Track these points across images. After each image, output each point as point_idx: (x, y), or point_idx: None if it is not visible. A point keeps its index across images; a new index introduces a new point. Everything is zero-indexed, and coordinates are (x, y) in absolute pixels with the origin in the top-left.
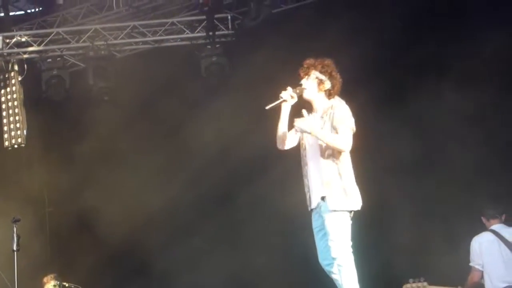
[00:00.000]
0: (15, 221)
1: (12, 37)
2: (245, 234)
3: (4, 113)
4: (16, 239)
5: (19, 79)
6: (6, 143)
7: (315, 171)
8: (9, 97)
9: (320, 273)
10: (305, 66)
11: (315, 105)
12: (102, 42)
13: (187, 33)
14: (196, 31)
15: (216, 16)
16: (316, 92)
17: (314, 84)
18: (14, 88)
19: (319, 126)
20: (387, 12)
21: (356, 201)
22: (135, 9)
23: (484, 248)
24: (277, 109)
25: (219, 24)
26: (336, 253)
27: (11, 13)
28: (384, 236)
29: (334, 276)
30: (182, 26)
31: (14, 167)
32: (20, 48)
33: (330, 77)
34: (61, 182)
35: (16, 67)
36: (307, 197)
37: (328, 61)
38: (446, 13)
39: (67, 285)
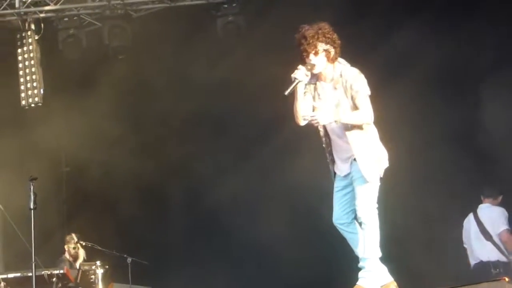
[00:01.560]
0: (32, 179)
1: None
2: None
3: (21, 72)
4: (33, 197)
5: (36, 38)
6: (23, 102)
7: (341, 142)
8: (25, 56)
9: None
10: (309, 39)
11: (322, 73)
12: (119, 1)
13: None
14: None
15: None
16: (325, 64)
17: (323, 57)
18: (30, 47)
19: (335, 101)
20: None
21: (385, 162)
22: None
23: (464, 228)
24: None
25: None
26: (363, 213)
27: None
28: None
29: (348, 234)
30: None
31: (31, 126)
32: (36, 7)
33: (332, 43)
34: (78, 141)
35: (32, 26)
36: (332, 168)
37: (326, 26)
38: None
39: (83, 243)
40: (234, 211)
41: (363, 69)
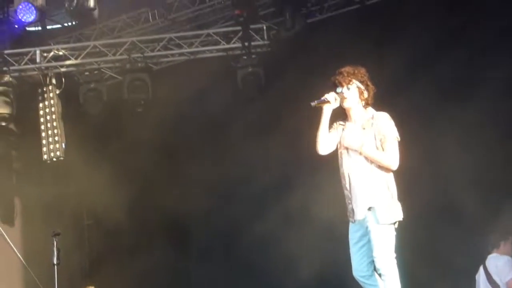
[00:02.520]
0: (55, 234)
1: (49, 51)
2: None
3: (42, 127)
4: (56, 253)
5: (57, 92)
6: (45, 157)
7: (359, 181)
8: (47, 110)
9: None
10: (345, 74)
11: (352, 114)
12: (139, 55)
13: (223, 44)
14: (232, 42)
15: (251, 26)
16: (356, 101)
17: (355, 93)
18: (52, 102)
19: (362, 139)
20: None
21: (400, 211)
22: (171, 21)
23: (476, 281)
24: (314, 116)
25: (254, 34)
26: (382, 264)
27: (48, 27)
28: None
29: (370, 287)
30: (218, 37)
31: (53, 181)
32: (57, 61)
33: (367, 87)
34: (100, 195)
35: (53, 81)
36: (349, 208)
37: (363, 70)
38: None
39: None
40: (268, 256)
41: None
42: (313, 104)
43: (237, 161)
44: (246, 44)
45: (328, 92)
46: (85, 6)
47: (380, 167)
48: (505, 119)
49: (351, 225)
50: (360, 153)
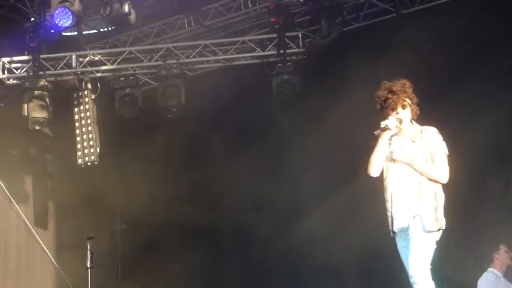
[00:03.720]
0: (89, 238)
1: (85, 56)
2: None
3: (77, 131)
4: (90, 256)
5: (92, 97)
6: (80, 161)
7: (406, 192)
8: (82, 115)
9: None
10: (399, 93)
11: (401, 131)
12: (174, 61)
13: (258, 52)
14: (267, 49)
15: (287, 34)
16: (409, 119)
17: (409, 112)
18: (87, 106)
19: (413, 152)
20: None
21: (444, 222)
22: (207, 28)
23: None
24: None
25: (290, 42)
26: (416, 272)
27: (84, 32)
28: None
29: None
30: (253, 45)
31: (87, 185)
32: (93, 66)
33: (412, 99)
34: (134, 199)
35: (89, 85)
36: (389, 220)
37: (409, 83)
38: None
39: None
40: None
41: None
42: (376, 133)
43: (271, 165)
44: (281, 51)
45: (382, 117)
46: (121, 12)
47: (430, 179)
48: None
49: (396, 238)
50: (411, 166)
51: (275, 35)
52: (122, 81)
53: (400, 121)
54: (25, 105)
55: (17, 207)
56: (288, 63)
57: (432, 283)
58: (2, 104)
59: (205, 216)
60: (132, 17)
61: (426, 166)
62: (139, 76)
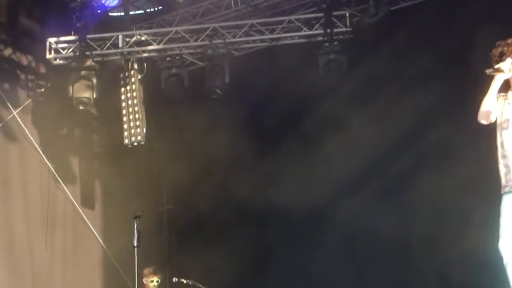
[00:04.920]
0: (136, 217)
1: (132, 36)
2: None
3: (124, 111)
4: (137, 235)
5: (139, 77)
6: (126, 141)
7: None
8: (129, 95)
9: None
10: (510, 42)
11: None
12: (221, 41)
13: (305, 31)
14: (314, 28)
15: (334, 13)
16: None
17: None
18: (134, 87)
19: None
20: None
21: None
22: (253, 7)
23: None
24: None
25: (337, 21)
26: None
27: (130, 12)
28: None
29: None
30: (300, 24)
31: (134, 165)
32: (139, 46)
33: None
34: (180, 180)
35: (135, 66)
36: (508, 178)
37: None
38: None
39: (185, 281)
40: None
41: None
42: (487, 71)
43: (320, 150)
44: (328, 30)
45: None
46: None
47: None
48: None
49: (507, 196)
50: None
51: (322, 14)
52: (168, 61)
53: None
54: (71, 86)
55: (64, 188)
56: (335, 42)
57: None
58: (49, 85)
59: (252, 199)
60: None
61: None
62: (185, 56)
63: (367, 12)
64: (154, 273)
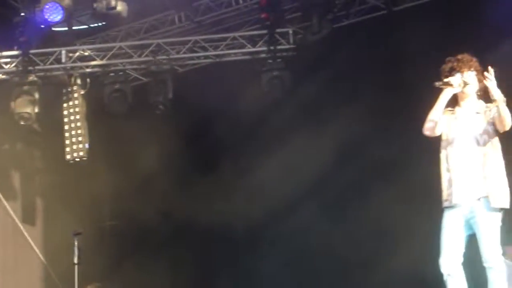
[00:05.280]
0: (76, 234)
1: (75, 51)
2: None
3: (66, 127)
4: (77, 252)
5: (82, 92)
6: (68, 156)
7: (468, 164)
8: (71, 110)
9: None
10: (465, 61)
11: (466, 102)
12: (164, 57)
13: (249, 48)
14: (258, 45)
15: (277, 30)
16: (476, 89)
17: (475, 80)
18: (76, 102)
19: (476, 124)
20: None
21: (509, 199)
22: (197, 24)
23: None
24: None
25: (280, 38)
26: (492, 254)
27: (74, 28)
28: None
29: (454, 280)
30: (244, 41)
31: (76, 181)
32: (83, 62)
33: (481, 77)
34: (123, 196)
35: (78, 81)
36: (449, 192)
37: (474, 58)
38: None
39: None
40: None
41: None
42: (437, 84)
43: (263, 165)
44: (272, 47)
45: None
46: (111, 7)
47: (494, 148)
48: None
49: (448, 211)
50: (498, 100)
51: (265, 31)
52: (112, 76)
53: (465, 84)
54: (13, 101)
55: (5, 203)
56: (279, 60)
57: (505, 267)
58: None
59: (196, 213)
60: (123, 12)
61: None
62: (129, 72)
63: (310, 29)
64: None
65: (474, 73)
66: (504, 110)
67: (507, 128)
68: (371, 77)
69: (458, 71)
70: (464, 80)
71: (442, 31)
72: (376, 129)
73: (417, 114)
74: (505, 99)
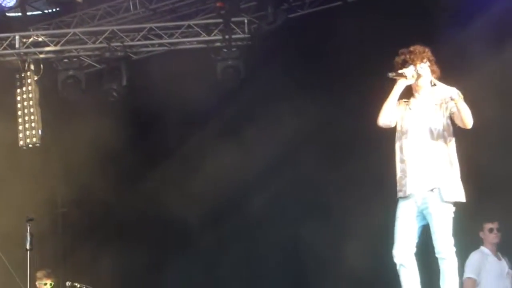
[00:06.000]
0: (29, 220)
1: (29, 37)
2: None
3: (19, 113)
4: (29, 238)
5: (35, 78)
6: (21, 143)
7: (422, 156)
8: (24, 96)
9: None
10: (417, 52)
11: (420, 93)
12: (119, 44)
13: (204, 36)
14: (213, 34)
15: (232, 19)
16: (429, 80)
17: (428, 71)
18: (30, 88)
19: (433, 115)
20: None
21: (463, 191)
22: (152, 11)
23: None
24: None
25: (235, 27)
26: (445, 246)
27: (28, 13)
28: None
29: (409, 273)
30: (199, 29)
31: (29, 167)
32: (36, 47)
33: (434, 66)
34: (75, 182)
35: (32, 67)
36: (402, 182)
37: (427, 48)
38: None
39: (78, 285)
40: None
41: None
42: (390, 75)
43: (214, 156)
44: (227, 36)
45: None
46: None
47: (446, 141)
48: None
49: (402, 202)
50: (456, 100)
51: (220, 20)
52: (66, 63)
53: (418, 75)
54: None
55: None
56: (233, 49)
57: (456, 259)
58: None
59: (146, 203)
60: None
61: (465, 106)
62: (83, 58)
63: (265, 19)
64: (47, 276)
65: (428, 64)
66: (464, 109)
67: (469, 126)
68: (325, 68)
69: (411, 64)
70: (417, 72)
71: (396, 22)
72: (330, 119)
73: (369, 104)
74: (461, 95)
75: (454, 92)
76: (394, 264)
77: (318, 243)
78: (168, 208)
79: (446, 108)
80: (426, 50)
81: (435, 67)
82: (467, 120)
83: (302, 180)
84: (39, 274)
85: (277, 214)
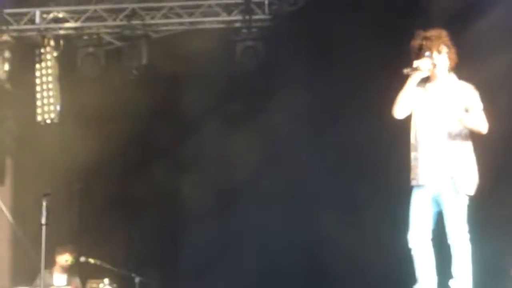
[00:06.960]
0: (45, 195)
1: (49, 12)
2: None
3: (38, 88)
4: (45, 213)
5: (55, 54)
6: (39, 118)
7: (438, 147)
8: (43, 72)
9: None
10: (433, 39)
11: (437, 80)
12: (138, 21)
13: (224, 16)
14: (233, 14)
15: (253, 0)
16: (445, 67)
17: (445, 59)
18: (49, 64)
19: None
20: None
21: (476, 182)
22: None
23: None
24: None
25: (256, 8)
26: (457, 232)
27: None
28: None
29: (425, 257)
30: (219, 9)
31: (46, 143)
32: (57, 23)
33: (451, 50)
34: (93, 159)
35: (52, 43)
36: (416, 172)
37: (446, 32)
38: None
39: (93, 261)
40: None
41: None
42: (406, 71)
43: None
44: (247, 17)
45: (417, 59)
46: None
47: (465, 134)
48: None
49: (417, 189)
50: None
51: (241, 0)
52: (85, 40)
53: (434, 66)
54: None
55: None
56: (253, 30)
57: (470, 246)
58: None
59: (167, 179)
60: None
61: (472, 121)
62: (103, 36)
63: (286, 0)
64: (69, 251)
65: (446, 50)
66: (471, 125)
67: (482, 133)
68: (348, 50)
69: (426, 50)
70: (433, 63)
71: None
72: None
73: (387, 94)
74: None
75: (460, 113)
76: (409, 249)
77: (332, 229)
78: (187, 184)
79: (464, 101)
80: (443, 34)
81: (453, 53)
82: (478, 130)
83: (317, 167)
84: (59, 249)
85: (291, 194)
